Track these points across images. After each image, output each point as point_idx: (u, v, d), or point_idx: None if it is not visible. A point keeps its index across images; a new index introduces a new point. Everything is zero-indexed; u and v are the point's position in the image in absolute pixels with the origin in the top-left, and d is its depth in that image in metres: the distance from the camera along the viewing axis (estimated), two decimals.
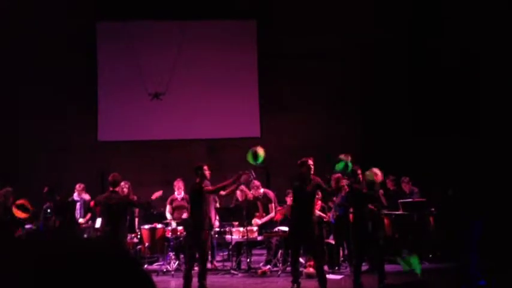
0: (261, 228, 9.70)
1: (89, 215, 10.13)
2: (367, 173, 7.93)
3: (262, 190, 10.05)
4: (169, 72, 12.74)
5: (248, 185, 10.21)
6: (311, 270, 8.44)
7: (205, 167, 7.87)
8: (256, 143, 13.22)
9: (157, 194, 9.51)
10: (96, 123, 13.37)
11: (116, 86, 13.27)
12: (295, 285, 7.81)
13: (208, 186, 7.98)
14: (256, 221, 9.77)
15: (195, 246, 7.69)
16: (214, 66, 13.44)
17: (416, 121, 12.57)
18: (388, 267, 8.87)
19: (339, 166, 7.87)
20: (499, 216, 7.97)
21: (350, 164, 7.87)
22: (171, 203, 10.08)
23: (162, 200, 10.47)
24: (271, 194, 10.11)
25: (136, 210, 10.52)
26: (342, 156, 7.90)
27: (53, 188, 9.19)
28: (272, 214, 9.91)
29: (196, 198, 7.79)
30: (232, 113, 13.35)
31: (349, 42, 13.13)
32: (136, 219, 10.50)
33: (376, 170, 7.93)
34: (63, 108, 12.90)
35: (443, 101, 12.24)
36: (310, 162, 7.89)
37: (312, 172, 7.88)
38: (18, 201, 8.85)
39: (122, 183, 9.97)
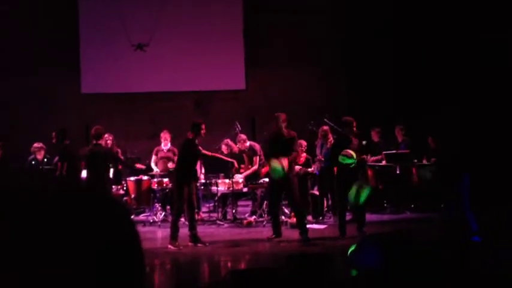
0: (247, 180, 9.79)
1: None
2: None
3: (248, 143, 10.09)
4: (152, 23, 12.49)
5: (234, 138, 10.25)
6: (295, 220, 8.59)
7: (203, 126, 7.86)
8: (242, 96, 13.27)
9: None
10: (79, 76, 13.18)
11: (98, 37, 13.00)
12: (274, 235, 7.98)
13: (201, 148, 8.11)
14: (239, 175, 9.81)
15: (183, 197, 7.75)
16: (199, 18, 13.20)
17: (401, 75, 12.55)
18: (370, 217, 9.09)
19: (275, 171, 7.68)
20: (487, 171, 8.06)
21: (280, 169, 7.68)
22: (156, 154, 10.09)
23: (147, 152, 10.48)
24: (257, 146, 10.16)
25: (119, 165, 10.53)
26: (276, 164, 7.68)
27: (63, 131, 8.90)
28: (255, 167, 9.97)
29: (188, 153, 7.82)
30: (218, 66, 13.21)
31: None
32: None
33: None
34: (46, 60, 12.65)
35: (430, 57, 12.22)
36: (283, 117, 7.92)
37: (285, 126, 7.91)
38: None
39: (106, 136, 9.95)
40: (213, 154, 8.88)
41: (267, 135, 8.32)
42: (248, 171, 9.90)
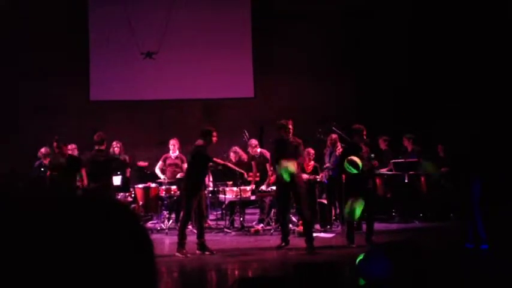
0: (254, 187, 9.75)
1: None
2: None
3: (259, 150, 10.07)
4: (161, 31, 12.57)
5: (243, 146, 10.24)
6: (302, 228, 8.56)
7: (215, 133, 7.78)
8: (250, 104, 13.28)
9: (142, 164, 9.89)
10: (88, 83, 13.25)
11: (107, 45, 13.08)
12: (284, 243, 7.96)
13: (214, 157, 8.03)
14: (262, 188, 9.68)
15: (192, 205, 7.73)
16: (208, 25, 13.26)
17: (411, 83, 12.51)
18: (378, 226, 9.04)
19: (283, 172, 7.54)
20: (498, 176, 7.97)
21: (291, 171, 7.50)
22: (164, 161, 10.08)
23: (155, 160, 10.51)
24: (268, 154, 10.14)
25: (128, 170, 10.55)
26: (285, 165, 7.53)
27: (61, 140, 8.85)
28: (270, 174, 9.90)
29: (199, 161, 7.73)
30: (226, 73, 13.24)
31: (345, 4, 12.94)
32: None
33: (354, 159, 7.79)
34: (55, 68, 12.74)
35: (440, 63, 12.18)
36: (290, 125, 7.89)
37: (291, 134, 7.89)
38: None
39: (114, 143, 10.00)
40: (225, 163, 8.72)
41: (273, 141, 8.29)
42: (267, 181, 9.73)
